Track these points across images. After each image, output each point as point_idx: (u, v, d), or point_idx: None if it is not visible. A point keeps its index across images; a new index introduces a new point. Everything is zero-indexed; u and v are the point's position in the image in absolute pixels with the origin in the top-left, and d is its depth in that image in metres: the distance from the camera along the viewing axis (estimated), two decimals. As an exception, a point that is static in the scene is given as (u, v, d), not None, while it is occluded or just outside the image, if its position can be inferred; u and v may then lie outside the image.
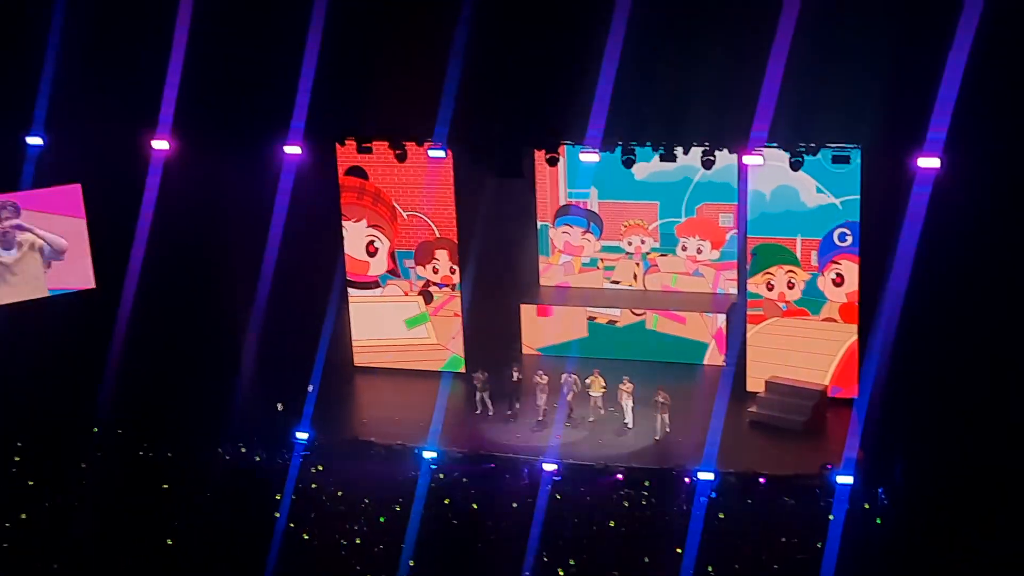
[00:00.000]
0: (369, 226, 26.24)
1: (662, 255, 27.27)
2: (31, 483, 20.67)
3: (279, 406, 23.34)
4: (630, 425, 23.08)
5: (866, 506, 19.04)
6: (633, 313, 26.70)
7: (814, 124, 20.55)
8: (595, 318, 27.01)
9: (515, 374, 23.94)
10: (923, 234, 19.76)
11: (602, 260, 27.89)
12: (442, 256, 26.06)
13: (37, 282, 23.73)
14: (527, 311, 27.31)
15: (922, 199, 19.65)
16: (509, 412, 23.65)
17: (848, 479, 19.51)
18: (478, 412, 23.97)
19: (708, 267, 26.94)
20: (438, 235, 25.91)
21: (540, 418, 23.48)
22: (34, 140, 23.13)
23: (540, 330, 27.24)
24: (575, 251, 28.06)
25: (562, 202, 27.76)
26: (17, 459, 21.37)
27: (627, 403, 23.14)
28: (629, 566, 17.93)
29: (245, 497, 20.24)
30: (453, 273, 26.07)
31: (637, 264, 27.64)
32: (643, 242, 27.39)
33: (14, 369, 22.62)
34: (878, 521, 18.80)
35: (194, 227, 23.49)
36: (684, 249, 27.05)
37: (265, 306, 24.25)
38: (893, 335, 20.53)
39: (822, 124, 20.49)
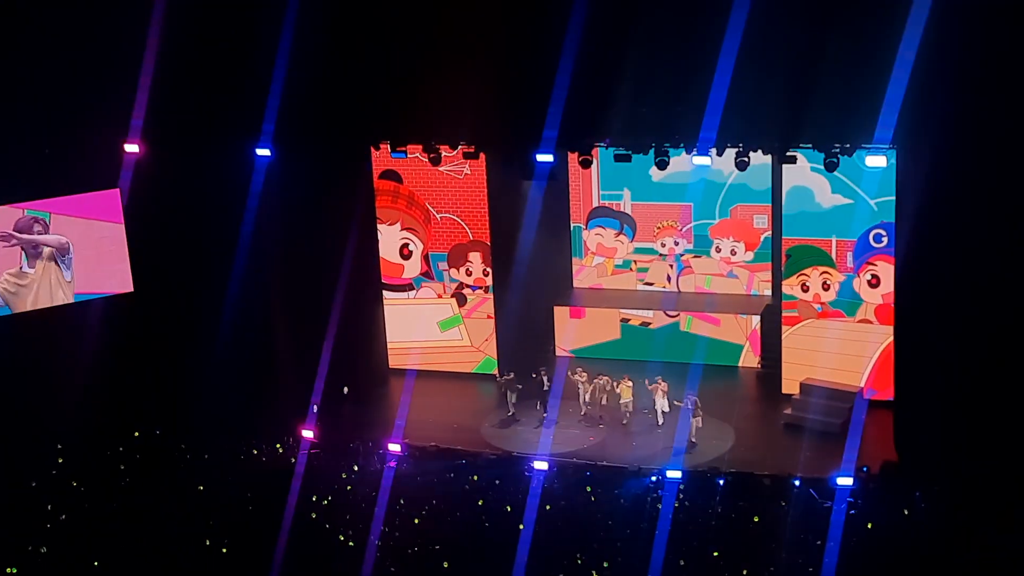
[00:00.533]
0: (403, 229, 26.40)
1: (696, 256, 27.20)
2: (74, 484, 20.86)
3: (314, 408, 23.45)
4: (661, 423, 23.05)
5: (905, 512, 18.90)
6: (667, 315, 26.67)
7: (849, 124, 20.41)
8: (628, 320, 27.00)
9: (544, 379, 23.89)
10: (954, 235, 19.61)
11: (635, 262, 27.84)
12: (475, 259, 26.15)
13: (58, 290, 23.90)
14: (560, 313, 27.32)
15: (956, 200, 19.50)
16: (544, 414, 23.62)
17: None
18: (510, 414, 23.97)
19: (742, 268, 26.83)
20: (471, 237, 26.00)
21: (582, 414, 23.47)
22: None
23: (573, 332, 27.25)
24: (608, 253, 28.02)
25: (595, 204, 27.73)
26: (60, 460, 21.57)
27: (661, 403, 23.11)
28: (663, 568, 17.87)
29: (281, 498, 20.33)
30: (486, 275, 26.14)
31: (671, 266, 27.56)
32: (676, 243, 27.32)
33: (53, 373, 22.83)
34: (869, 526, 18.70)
35: (230, 231, 23.62)
36: (718, 251, 26.97)
37: (300, 309, 24.40)
38: (929, 337, 20.38)
39: (857, 125, 20.34)
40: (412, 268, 26.65)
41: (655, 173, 25.44)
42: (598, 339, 27.03)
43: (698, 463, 21.49)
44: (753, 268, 26.81)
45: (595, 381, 23.78)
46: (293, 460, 21.95)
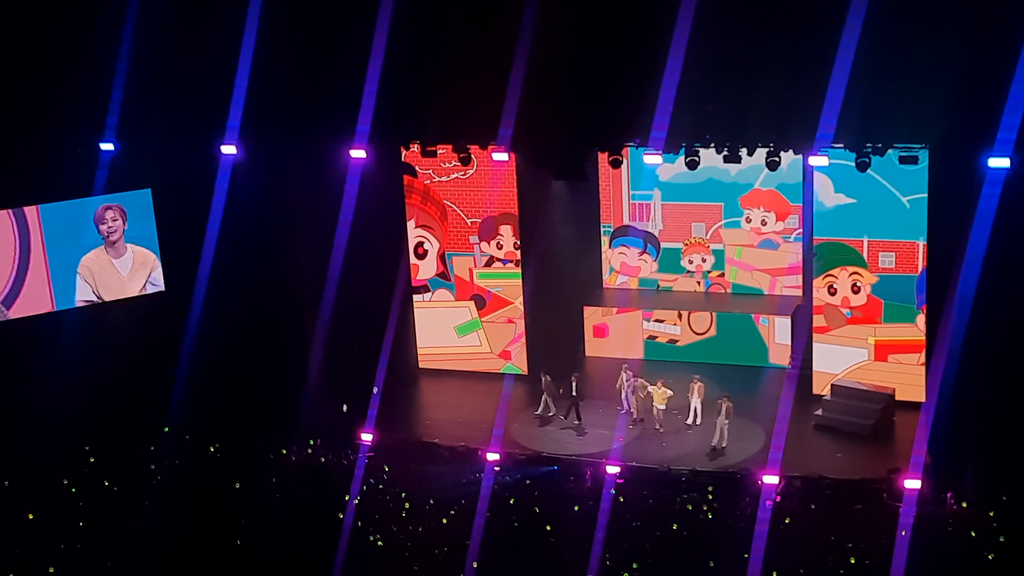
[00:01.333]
0: (418, 226, 25.97)
1: (721, 275, 27.04)
2: (106, 483, 20.99)
3: (344, 408, 23.52)
4: (691, 422, 22.96)
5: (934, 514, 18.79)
6: (693, 332, 26.36)
7: (881, 124, 20.30)
8: (655, 337, 26.68)
9: (574, 384, 23.76)
10: (993, 235, 19.45)
11: (660, 281, 27.66)
12: (506, 231, 25.66)
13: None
14: (589, 316, 27.11)
15: (992, 200, 19.35)
16: (577, 421, 23.54)
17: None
18: (550, 413, 23.82)
19: (763, 273, 26.62)
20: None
21: (624, 411, 23.51)
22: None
23: (598, 348, 26.97)
24: (632, 272, 27.89)
25: (626, 203, 27.64)
26: (91, 460, 21.72)
27: (696, 401, 23.00)
28: (693, 570, 17.83)
29: (311, 498, 20.41)
30: (517, 249, 25.68)
31: (698, 283, 27.36)
32: (704, 260, 27.15)
33: (86, 372, 23.00)
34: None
35: (261, 231, 23.74)
36: (748, 221, 26.69)
37: (331, 308, 24.46)
38: (962, 338, 20.23)
39: (890, 124, 20.23)
40: (427, 268, 26.12)
41: (687, 173, 25.15)
42: (623, 355, 26.36)
43: (729, 464, 21.41)
44: (774, 272, 26.60)
45: (635, 382, 23.59)
46: (322, 460, 22.04)
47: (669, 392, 23.05)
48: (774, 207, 26.43)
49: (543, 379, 23.98)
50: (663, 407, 23.04)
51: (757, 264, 26.89)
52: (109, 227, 23.92)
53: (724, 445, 22.14)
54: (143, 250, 24.49)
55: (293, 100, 22.64)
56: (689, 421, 23.11)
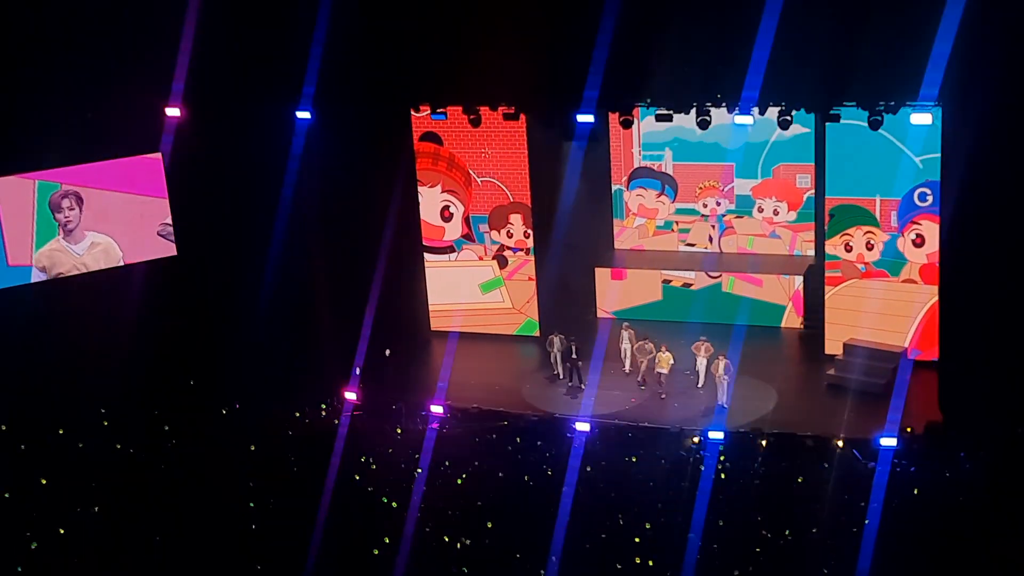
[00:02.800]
0: (444, 191, 26.37)
1: (738, 217, 27.02)
2: (118, 447, 21.11)
3: (356, 370, 23.57)
4: (701, 385, 23.01)
5: (947, 474, 18.79)
6: (708, 276, 26.53)
7: (893, 82, 20.13)
8: (670, 281, 26.87)
9: (572, 348, 23.84)
10: (1003, 193, 19.34)
11: (677, 223, 27.69)
12: (516, 220, 26.09)
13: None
14: (601, 274, 27.24)
15: (1004, 158, 19.22)
16: (580, 384, 23.62)
17: (892, 441, 19.41)
18: (557, 375, 24.07)
19: (785, 228, 26.62)
20: (512, 200, 25.94)
21: (626, 372, 23.61)
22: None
23: (614, 293, 27.14)
24: (649, 214, 27.89)
25: (636, 164, 27.57)
26: (105, 424, 21.83)
27: (702, 364, 23.01)
28: (705, 530, 17.88)
29: (322, 459, 20.50)
30: (527, 237, 26.09)
31: (712, 226, 27.40)
32: (718, 204, 27.14)
33: (98, 337, 23.06)
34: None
35: (272, 194, 23.69)
36: (760, 211, 26.76)
37: (342, 272, 24.48)
38: (975, 296, 20.17)
39: (901, 82, 20.06)
40: (453, 230, 26.65)
41: (697, 133, 25.02)
42: (639, 301, 26.92)
43: (740, 424, 21.45)
44: (796, 228, 26.62)
45: (640, 344, 23.65)
46: (336, 422, 22.12)
47: (672, 358, 23.04)
48: (786, 196, 26.36)
49: (555, 340, 24.05)
50: (666, 371, 23.04)
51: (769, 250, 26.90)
52: (66, 216, 23.64)
53: (727, 403, 22.18)
54: (107, 240, 24.03)
55: (342, 62, 22.40)
56: (699, 384, 23.11)
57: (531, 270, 26.30)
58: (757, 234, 26.90)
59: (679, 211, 27.53)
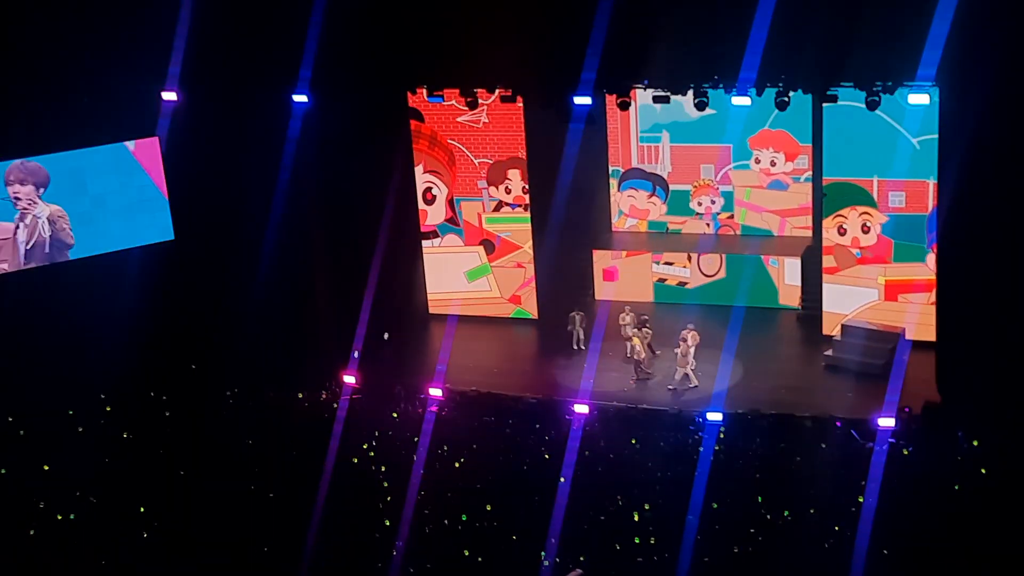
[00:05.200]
0: (426, 172, 25.87)
1: (730, 216, 26.95)
2: (125, 435, 21.12)
3: (355, 354, 23.59)
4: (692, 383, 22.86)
5: (943, 454, 18.84)
6: (703, 274, 26.33)
7: (891, 62, 20.10)
8: (664, 280, 26.65)
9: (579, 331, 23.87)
10: (1003, 174, 19.33)
11: (670, 223, 27.59)
12: (514, 176, 25.63)
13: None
14: (596, 263, 27.06)
15: (1002, 137, 19.20)
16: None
17: (890, 422, 19.39)
18: (576, 349, 24.33)
19: (774, 215, 26.57)
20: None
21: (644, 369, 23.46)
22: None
23: (608, 291, 26.94)
24: (640, 215, 27.81)
25: (634, 146, 27.51)
26: (108, 409, 21.84)
27: (690, 356, 22.83)
28: (703, 511, 17.93)
29: (323, 443, 20.52)
30: (525, 193, 25.65)
31: (707, 224, 27.30)
32: (713, 202, 27.07)
33: (95, 322, 23.03)
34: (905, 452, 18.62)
35: (269, 177, 23.65)
36: (758, 162, 26.61)
37: (340, 255, 24.46)
38: (972, 278, 20.18)
39: (899, 62, 20.02)
40: (436, 214, 26.06)
41: (693, 114, 24.94)
42: (632, 299, 26.38)
43: (738, 405, 21.47)
44: (788, 213, 26.51)
45: (639, 330, 23.57)
46: (335, 405, 22.14)
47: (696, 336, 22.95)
48: (783, 147, 26.30)
49: (576, 317, 24.22)
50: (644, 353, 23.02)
51: (767, 205, 26.80)
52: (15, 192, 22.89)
53: (677, 384, 22.28)
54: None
55: (337, 47, 22.33)
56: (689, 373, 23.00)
57: (520, 256, 25.90)
58: (754, 186, 26.74)
59: (672, 211, 27.40)
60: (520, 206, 25.73)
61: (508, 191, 25.71)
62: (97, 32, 22.13)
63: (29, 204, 23.08)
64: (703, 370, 23.07)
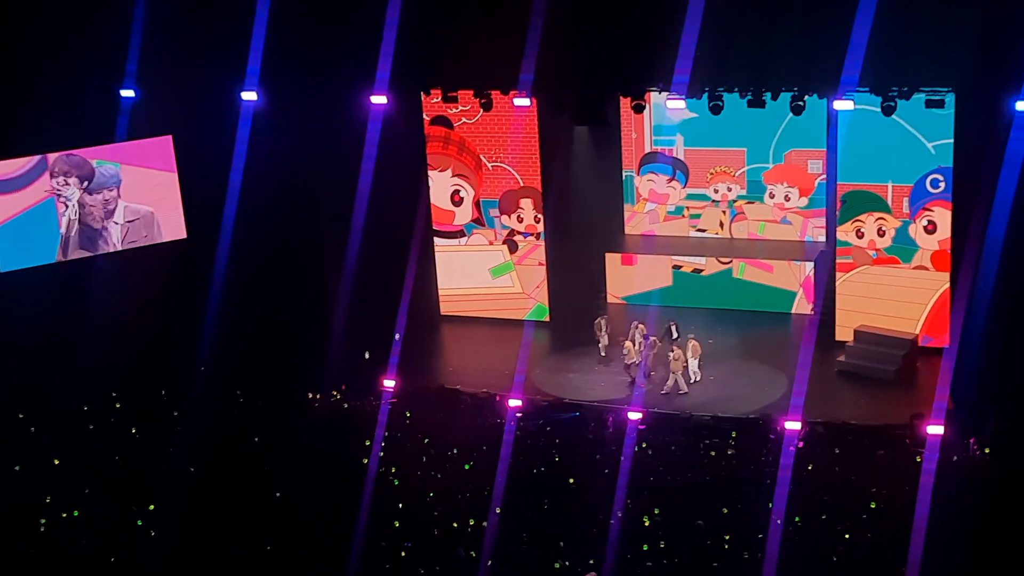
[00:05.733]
0: (454, 176, 26.27)
1: (749, 203, 26.96)
2: (134, 432, 21.16)
3: (366, 355, 23.60)
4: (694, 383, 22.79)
5: (954, 458, 18.73)
6: (719, 262, 26.47)
7: (907, 67, 20.04)
8: (680, 267, 26.80)
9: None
10: (1020, 180, 19.24)
11: (688, 208, 27.64)
12: (527, 205, 25.97)
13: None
14: (611, 259, 27.16)
15: (1019, 144, 19.12)
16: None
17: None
18: (603, 356, 24.04)
19: (796, 215, 26.55)
20: (522, 184, 25.86)
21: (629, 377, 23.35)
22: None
23: (625, 278, 27.07)
24: (660, 199, 27.85)
25: (647, 149, 27.52)
26: (117, 406, 21.88)
27: (693, 363, 22.74)
28: (714, 516, 17.88)
29: (336, 444, 20.54)
30: (538, 222, 26.00)
31: (724, 212, 27.37)
32: (730, 189, 27.10)
33: (110, 319, 23.10)
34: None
35: (283, 177, 23.70)
36: (772, 197, 26.70)
37: (353, 255, 24.45)
38: (986, 283, 20.09)
39: (915, 67, 19.96)
40: (463, 215, 26.55)
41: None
42: (649, 286, 26.80)
43: (751, 410, 21.42)
44: (807, 215, 26.58)
45: (649, 341, 23.32)
46: (346, 406, 22.15)
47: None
48: (798, 182, 26.30)
49: (601, 323, 24.10)
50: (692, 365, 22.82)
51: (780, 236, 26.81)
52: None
53: (670, 391, 22.30)
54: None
55: (312, 46, 22.47)
56: (690, 381, 22.80)
57: (541, 255, 26.18)
58: (768, 220, 26.85)
59: (690, 196, 27.47)
60: (532, 235, 25.97)
61: (520, 220, 26.02)
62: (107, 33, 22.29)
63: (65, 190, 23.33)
64: (715, 375, 23.04)
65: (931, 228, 23.34)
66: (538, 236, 26.11)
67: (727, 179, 26.98)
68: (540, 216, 25.95)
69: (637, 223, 27.97)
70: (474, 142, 25.80)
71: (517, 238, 26.26)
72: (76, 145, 23.48)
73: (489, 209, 26.24)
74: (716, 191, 27.24)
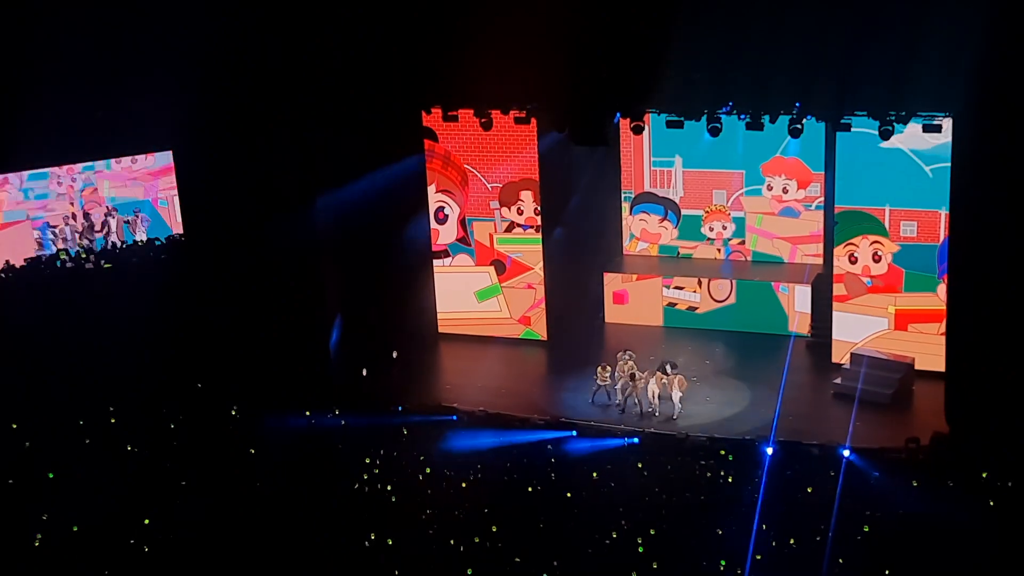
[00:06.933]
0: (439, 191, 25.91)
1: (741, 242, 26.97)
2: (129, 447, 21.12)
3: (363, 372, 23.60)
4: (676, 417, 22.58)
5: (950, 483, 18.74)
6: (713, 299, 26.33)
7: (905, 92, 20.12)
8: (675, 304, 26.65)
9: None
10: (1016, 206, 19.31)
11: (681, 248, 27.61)
12: (527, 197, 25.59)
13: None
14: (607, 287, 27.05)
15: (1017, 169, 19.19)
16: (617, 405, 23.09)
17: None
18: (616, 404, 23.07)
19: (784, 241, 26.56)
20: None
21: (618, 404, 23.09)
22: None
23: (617, 313, 26.97)
24: (652, 238, 27.83)
25: (647, 170, 27.55)
26: (113, 421, 21.84)
27: (677, 395, 22.57)
28: (710, 537, 17.87)
29: (330, 461, 20.51)
30: (538, 215, 25.65)
31: (718, 250, 27.29)
32: (724, 228, 27.08)
33: (101, 326, 23.07)
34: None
35: (285, 195, 23.75)
36: (770, 189, 26.61)
37: (352, 273, 24.49)
38: (983, 307, 20.13)
39: (913, 92, 20.05)
40: (448, 233, 26.07)
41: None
42: (642, 322, 26.67)
43: (746, 431, 21.43)
44: (798, 240, 26.51)
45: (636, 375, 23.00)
46: (343, 423, 22.14)
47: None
48: (796, 175, 26.32)
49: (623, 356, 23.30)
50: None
51: (778, 232, 26.80)
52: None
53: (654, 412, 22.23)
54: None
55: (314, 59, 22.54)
56: (675, 416, 22.53)
57: (530, 278, 25.92)
58: (766, 212, 26.75)
59: (683, 236, 27.41)
60: (532, 227, 25.75)
61: (520, 212, 25.71)
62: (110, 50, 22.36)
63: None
64: (711, 396, 23.06)
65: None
66: (537, 228, 25.69)
67: (722, 218, 26.97)
68: (539, 208, 25.43)
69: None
70: (473, 162, 25.65)
71: (516, 230, 25.65)
72: (78, 160, 23.58)
73: (473, 223, 25.78)
74: (711, 229, 27.24)
